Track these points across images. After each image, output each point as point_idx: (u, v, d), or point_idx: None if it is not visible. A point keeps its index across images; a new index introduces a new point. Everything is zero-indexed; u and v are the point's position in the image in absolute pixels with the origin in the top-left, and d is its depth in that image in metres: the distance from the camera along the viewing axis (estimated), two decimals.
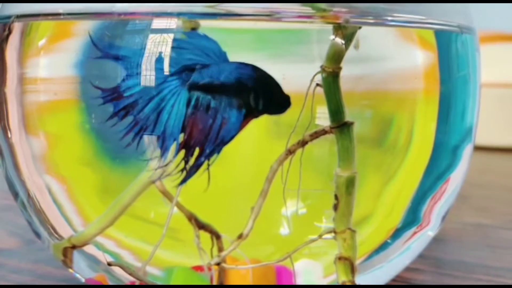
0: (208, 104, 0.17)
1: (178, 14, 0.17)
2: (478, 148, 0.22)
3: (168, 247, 0.18)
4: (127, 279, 0.19)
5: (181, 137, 0.17)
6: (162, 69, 0.17)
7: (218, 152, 0.17)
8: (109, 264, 0.19)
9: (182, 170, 0.17)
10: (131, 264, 0.19)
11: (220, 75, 0.16)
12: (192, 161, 0.17)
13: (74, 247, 0.19)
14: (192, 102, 0.17)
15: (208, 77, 0.17)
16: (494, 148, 0.58)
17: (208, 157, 0.17)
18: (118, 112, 0.17)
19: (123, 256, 0.19)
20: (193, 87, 0.17)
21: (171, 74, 0.17)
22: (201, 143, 0.17)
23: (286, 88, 0.17)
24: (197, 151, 0.17)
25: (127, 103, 0.17)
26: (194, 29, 0.17)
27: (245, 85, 0.17)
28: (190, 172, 0.17)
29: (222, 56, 0.17)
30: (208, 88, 0.17)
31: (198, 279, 0.19)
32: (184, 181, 0.17)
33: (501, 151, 0.59)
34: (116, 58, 0.17)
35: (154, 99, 0.17)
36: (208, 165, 0.17)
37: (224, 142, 0.17)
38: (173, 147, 0.17)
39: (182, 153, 0.17)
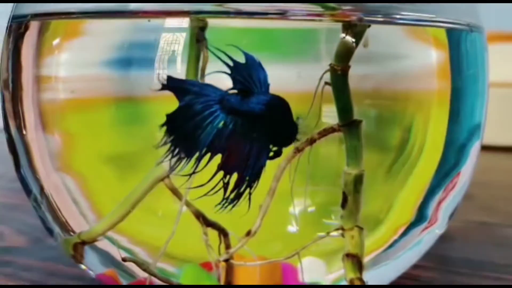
0: (243, 130, 0.17)
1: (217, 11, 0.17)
2: (481, 147, 0.22)
3: (179, 244, 0.18)
4: (138, 274, 0.19)
5: (220, 158, 0.17)
6: (213, 93, 0.17)
7: (254, 180, 0.17)
8: (124, 260, 0.19)
9: (228, 199, 0.17)
10: (143, 259, 0.19)
11: (257, 105, 0.17)
12: (231, 186, 0.17)
13: (84, 242, 0.20)
14: (230, 126, 0.17)
15: (246, 105, 0.17)
16: (496, 147, 0.58)
17: (250, 185, 0.17)
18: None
19: (134, 251, 0.19)
20: (232, 112, 0.17)
21: (220, 99, 0.17)
22: (240, 169, 0.17)
23: (297, 86, 0.17)
24: (235, 176, 0.17)
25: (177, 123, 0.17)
26: (202, 28, 0.17)
27: (275, 117, 0.17)
28: (233, 199, 0.17)
29: (266, 87, 0.17)
30: (245, 115, 0.17)
31: (207, 276, 0.19)
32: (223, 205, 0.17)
33: (504, 150, 0.59)
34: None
35: (198, 118, 0.17)
36: (250, 193, 0.17)
37: (260, 169, 0.17)
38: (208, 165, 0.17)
39: (221, 174, 0.17)
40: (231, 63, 0.16)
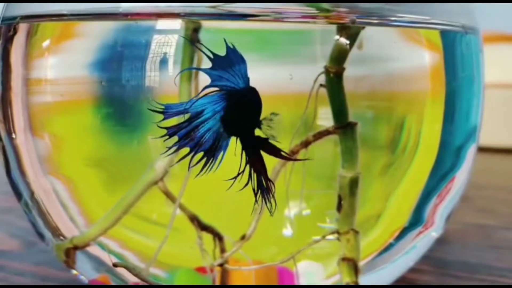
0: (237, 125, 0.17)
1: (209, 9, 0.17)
2: (479, 149, 0.22)
3: (172, 248, 0.18)
4: (130, 279, 0.19)
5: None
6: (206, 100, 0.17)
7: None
8: (115, 265, 0.19)
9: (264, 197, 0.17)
10: (135, 265, 0.19)
11: (242, 98, 0.16)
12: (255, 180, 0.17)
13: (76, 247, 0.19)
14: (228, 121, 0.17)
15: (234, 100, 0.16)
16: (494, 149, 0.58)
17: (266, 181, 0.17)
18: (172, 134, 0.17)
19: (126, 256, 0.19)
20: (225, 108, 0.16)
21: (215, 99, 0.16)
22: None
23: (291, 88, 0.17)
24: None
25: (181, 127, 0.16)
26: (196, 29, 0.17)
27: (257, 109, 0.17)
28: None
29: (246, 79, 0.16)
30: (235, 110, 0.17)
31: (201, 280, 0.18)
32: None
33: (502, 152, 0.59)
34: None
35: (199, 119, 0.16)
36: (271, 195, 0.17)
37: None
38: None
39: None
40: (211, 55, 0.16)
